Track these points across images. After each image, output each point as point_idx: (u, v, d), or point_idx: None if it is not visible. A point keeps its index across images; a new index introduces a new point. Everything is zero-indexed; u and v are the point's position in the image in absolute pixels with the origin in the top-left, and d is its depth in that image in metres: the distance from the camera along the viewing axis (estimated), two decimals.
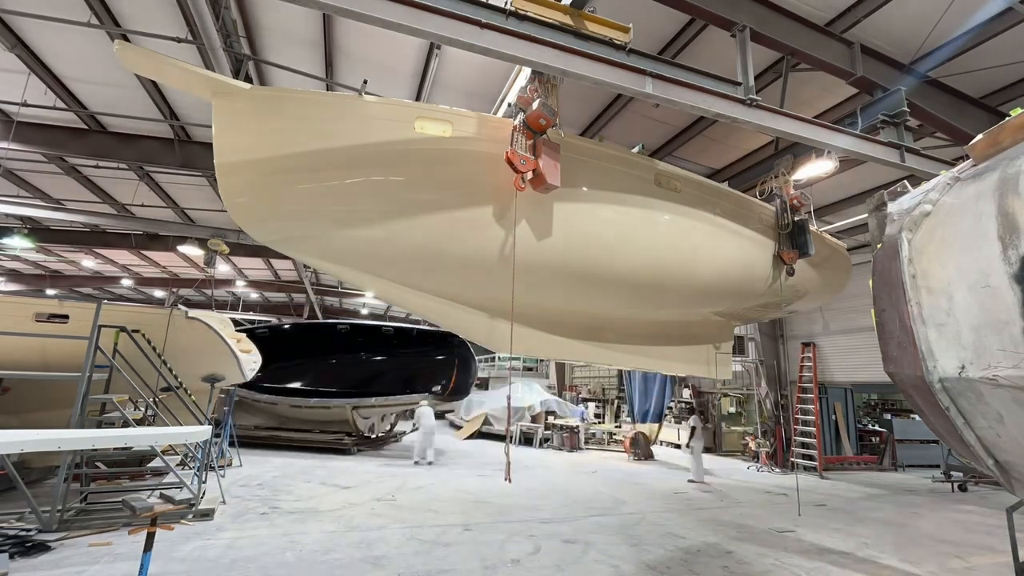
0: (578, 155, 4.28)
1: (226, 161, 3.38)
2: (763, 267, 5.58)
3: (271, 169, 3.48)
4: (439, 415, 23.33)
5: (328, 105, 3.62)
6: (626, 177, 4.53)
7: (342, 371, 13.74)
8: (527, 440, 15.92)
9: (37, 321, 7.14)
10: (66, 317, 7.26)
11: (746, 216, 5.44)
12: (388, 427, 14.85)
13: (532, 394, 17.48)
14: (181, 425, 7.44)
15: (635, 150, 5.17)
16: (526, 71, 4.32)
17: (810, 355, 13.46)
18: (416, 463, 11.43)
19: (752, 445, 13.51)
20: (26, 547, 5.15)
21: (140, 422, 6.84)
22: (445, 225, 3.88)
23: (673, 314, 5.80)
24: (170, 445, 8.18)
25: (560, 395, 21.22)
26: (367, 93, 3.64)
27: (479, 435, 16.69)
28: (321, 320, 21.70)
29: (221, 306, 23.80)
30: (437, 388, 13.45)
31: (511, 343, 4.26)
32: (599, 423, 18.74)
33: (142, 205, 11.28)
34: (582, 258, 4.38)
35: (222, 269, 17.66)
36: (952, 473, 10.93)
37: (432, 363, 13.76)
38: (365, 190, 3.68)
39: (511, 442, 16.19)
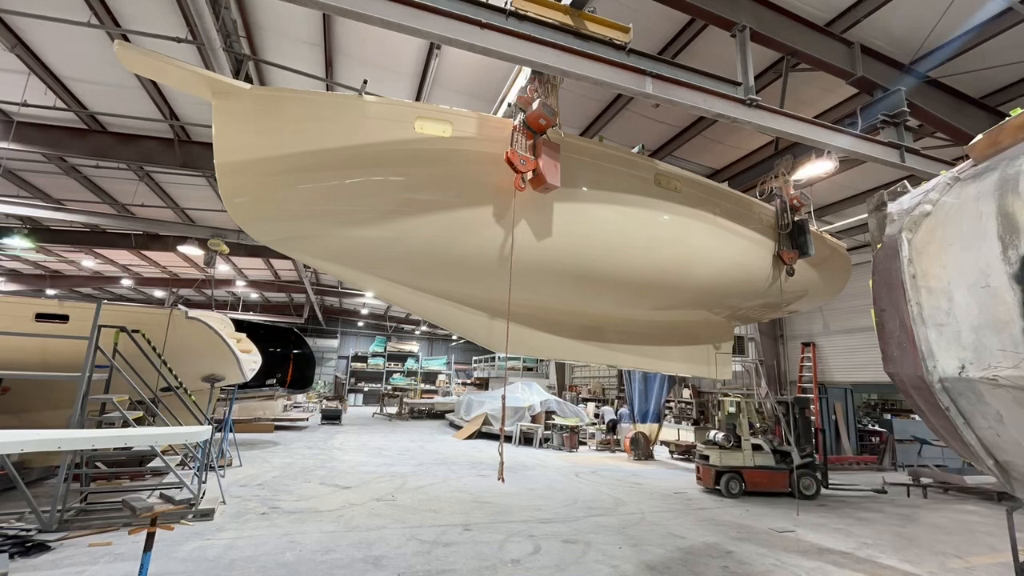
0: (578, 155, 4.28)
1: (226, 161, 3.38)
2: (763, 267, 5.58)
3: (271, 169, 3.48)
4: (438, 415, 23.40)
5: (328, 105, 3.62)
6: (626, 177, 4.53)
7: None
8: (527, 440, 15.92)
9: (37, 321, 7.15)
10: (66, 317, 7.27)
11: (746, 216, 5.44)
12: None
13: (532, 394, 17.48)
14: (181, 425, 7.45)
15: (635, 150, 5.17)
16: (526, 71, 4.32)
17: (810, 355, 13.46)
18: None
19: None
20: (26, 547, 5.15)
21: (140, 422, 6.84)
22: (445, 225, 3.88)
23: (673, 314, 5.80)
24: (170, 445, 8.19)
25: (560, 395, 21.22)
26: (367, 93, 3.64)
27: (479, 435, 16.69)
28: None
29: (221, 306, 23.81)
30: (273, 381, 15.14)
31: (507, 343, 4.26)
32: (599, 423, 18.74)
33: (142, 205, 11.29)
34: (582, 258, 4.39)
35: (222, 269, 17.68)
36: (922, 479, 10.30)
37: (271, 357, 14.89)
38: (365, 190, 3.68)
39: (511, 442, 16.14)
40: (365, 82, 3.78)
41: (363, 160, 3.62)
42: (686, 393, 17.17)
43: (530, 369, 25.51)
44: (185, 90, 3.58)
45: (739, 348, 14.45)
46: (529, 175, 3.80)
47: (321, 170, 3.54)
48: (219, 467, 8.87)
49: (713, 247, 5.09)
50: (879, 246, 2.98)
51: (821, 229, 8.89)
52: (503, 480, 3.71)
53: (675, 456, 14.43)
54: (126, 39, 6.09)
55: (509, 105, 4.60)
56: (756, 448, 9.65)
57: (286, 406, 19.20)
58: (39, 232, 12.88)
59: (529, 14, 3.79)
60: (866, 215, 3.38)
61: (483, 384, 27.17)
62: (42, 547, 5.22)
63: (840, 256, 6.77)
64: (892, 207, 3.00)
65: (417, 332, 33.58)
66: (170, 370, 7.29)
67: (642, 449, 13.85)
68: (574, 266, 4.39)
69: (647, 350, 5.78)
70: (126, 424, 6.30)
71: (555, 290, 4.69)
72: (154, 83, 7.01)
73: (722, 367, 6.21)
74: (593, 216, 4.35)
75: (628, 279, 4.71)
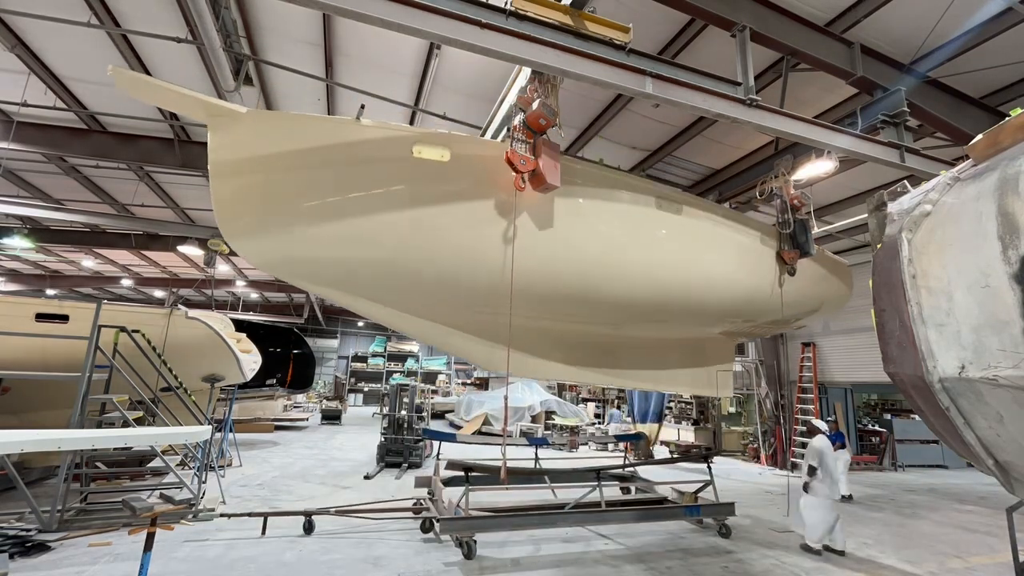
0: (579, 179, 4.30)
1: (222, 185, 3.37)
2: (769, 285, 5.62)
3: (267, 194, 3.47)
4: (438, 415, 23.37)
5: (326, 130, 3.58)
6: (628, 201, 4.55)
7: None
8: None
9: (37, 321, 7.14)
10: (66, 317, 7.26)
11: (749, 236, 5.51)
12: None
13: (532, 394, 17.48)
14: (181, 425, 7.45)
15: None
16: (526, 71, 4.32)
17: (810, 355, 13.46)
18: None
19: (751, 448, 13.53)
20: (26, 547, 5.15)
21: (140, 422, 6.84)
22: (444, 250, 3.87)
23: (679, 335, 5.87)
24: (170, 445, 8.19)
25: (560, 395, 21.22)
26: (369, 114, 3.64)
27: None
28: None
29: (221, 306, 23.81)
30: (273, 381, 15.05)
31: (507, 361, 4.24)
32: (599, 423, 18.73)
33: (142, 205, 11.28)
34: (584, 286, 4.42)
35: (222, 269, 17.66)
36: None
37: (271, 357, 14.80)
38: (363, 215, 3.65)
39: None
40: (362, 107, 3.76)
41: (361, 185, 3.59)
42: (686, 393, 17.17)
43: None
44: (182, 112, 3.54)
45: (739, 348, 14.45)
46: (529, 175, 3.81)
47: (319, 196, 3.52)
48: (219, 467, 8.87)
49: (719, 267, 5.16)
50: (879, 246, 2.98)
51: (821, 229, 8.90)
52: (506, 480, 3.71)
53: (675, 456, 14.40)
54: (126, 39, 6.09)
55: (510, 106, 4.61)
56: None
57: (286, 406, 19.19)
58: (39, 232, 12.87)
59: (529, 14, 3.79)
60: (866, 215, 3.38)
61: (483, 384, 27.16)
62: (42, 547, 5.22)
63: (841, 269, 6.80)
64: (892, 207, 3.00)
65: None
66: (170, 370, 7.29)
67: (642, 450, 13.84)
68: (576, 294, 4.42)
69: (650, 373, 5.92)
70: (126, 424, 6.30)
71: (558, 314, 4.73)
72: None
73: (723, 385, 6.30)
74: (595, 243, 4.38)
75: (633, 304, 4.77)
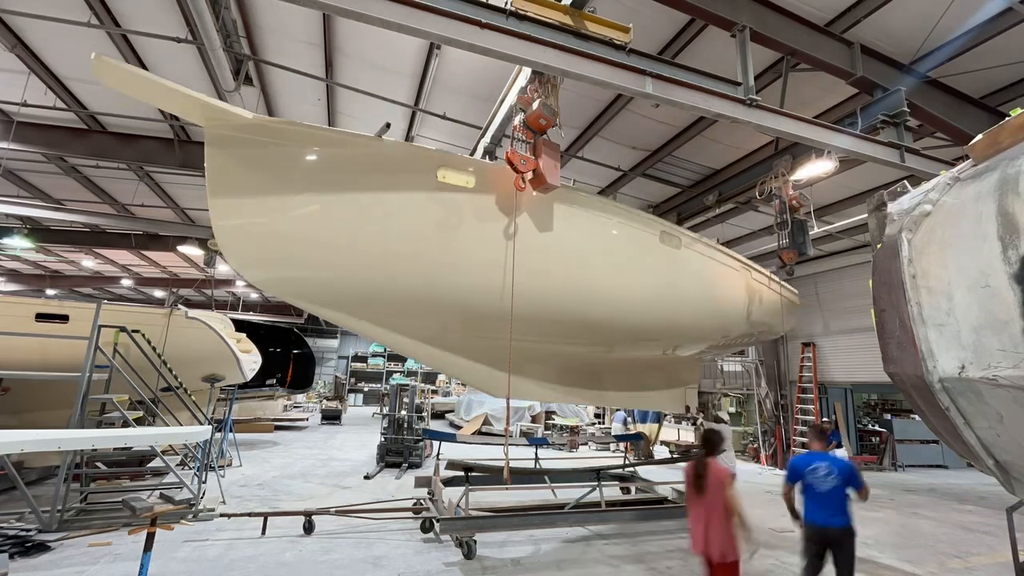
0: (585, 212, 4.36)
1: (221, 200, 3.16)
2: (743, 310, 5.93)
3: (271, 210, 3.28)
4: (438, 415, 23.37)
5: (343, 144, 3.36)
6: (632, 235, 4.65)
7: None
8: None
9: (37, 321, 7.14)
10: (66, 317, 7.27)
11: (740, 271, 5.80)
12: None
13: None
14: (181, 425, 7.45)
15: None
16: (526, 71, 4.33)
17: (810, 355, 13.46)
18: None
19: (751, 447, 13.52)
20: (26, 547, 5.15)
21: (140, 422, 6.84)
22: (455, 277, 3.85)
23: (661, 356, 6.23)
24: (170, 445, 8.19)
25: None
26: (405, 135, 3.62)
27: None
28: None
29: (221, 306, 23.80)
30: (273, 381, 15.09)
31: (508, 385, 4.27)
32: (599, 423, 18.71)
33: (142, 205, 11.28)
34: (588, 316, 4.50)
35: (222, 269, 17.64)
36: None
37: (271, 357, 14.80)
38: (378, 239, 3.51)
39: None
40: (388, 125, 3.60)
41: (383, 208, 3.47)
42: None
43: None
44: (175, 112, 3.25)
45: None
46: (529, 175, 3.81)
47: (327, 214, 3.34)
48: (219, 467, 8.87)
49: (719, 298, 5.44)
50: (879, 246, 2.98)
51: (820, 229, 8.90)
52: (509, 480, 3.71)
53: (675, 455, 14.41)
54: (126, 39, 6.09)
55: (511, 106, 4.62)
56: None
57: (286, 406, 19.19)
58: (39, 232, 12.87)
59: (529, 14, 3.79)
60: (866, 215, 3.38)
61: None
62: (42, 547, 5.21)
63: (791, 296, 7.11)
64: (892, 207, 3.00)
65: None
66: (170, 370, 7.29)
67: (642, 449, 13.83)
68: (577, 317, 4.49)
69: (629, 392, 6.30)
70: (126, 424, 6.30)
71: (552, 338, 4.82)
72: None
73: (690, 398, 6.82)
74: (600, 275, 4.45)
75: (632, 327, 4.94)
